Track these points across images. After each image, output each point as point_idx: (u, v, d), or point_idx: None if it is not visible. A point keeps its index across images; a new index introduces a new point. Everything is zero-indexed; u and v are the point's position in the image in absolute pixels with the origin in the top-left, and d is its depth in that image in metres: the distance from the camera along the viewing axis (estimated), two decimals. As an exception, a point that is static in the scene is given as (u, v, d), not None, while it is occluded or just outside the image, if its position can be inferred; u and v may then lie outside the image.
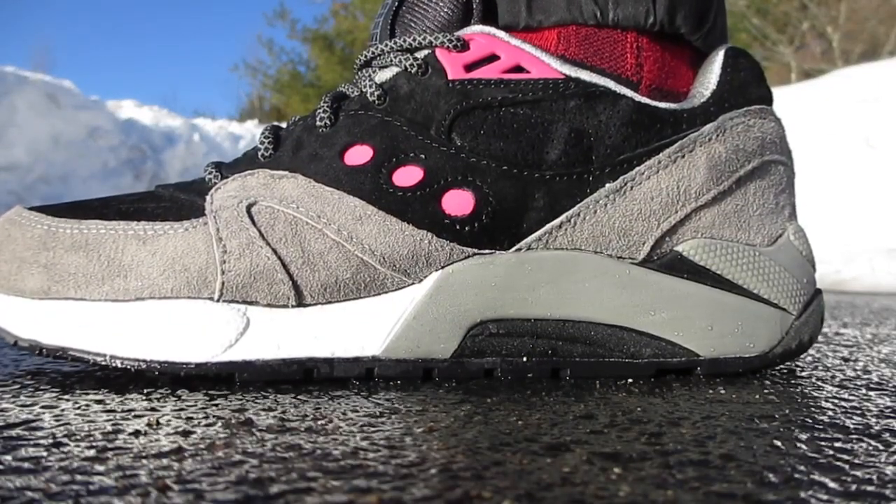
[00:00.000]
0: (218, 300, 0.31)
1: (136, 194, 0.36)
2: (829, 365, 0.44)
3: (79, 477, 0.20)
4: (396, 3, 0.38)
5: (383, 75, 0.36)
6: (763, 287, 0.36)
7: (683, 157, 0.35)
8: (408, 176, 0.33)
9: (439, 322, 0.33)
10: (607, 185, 0.34)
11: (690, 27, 0.37)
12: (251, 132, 4.47)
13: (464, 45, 0.35)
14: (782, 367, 0.42)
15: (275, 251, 0.31)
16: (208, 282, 0.31)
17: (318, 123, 0.35)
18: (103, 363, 0.31)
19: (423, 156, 0.33)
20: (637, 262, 0.35)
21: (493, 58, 0.35)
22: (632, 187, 0.34)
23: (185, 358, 0.31)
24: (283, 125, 0.38)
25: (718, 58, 0.38)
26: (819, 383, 0.37)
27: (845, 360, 0.46)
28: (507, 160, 0.33)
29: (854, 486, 0.21)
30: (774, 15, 10.30)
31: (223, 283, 0.31)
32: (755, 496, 0.20)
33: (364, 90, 0.35)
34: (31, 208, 0.33)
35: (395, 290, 0.33)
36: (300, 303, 0.32)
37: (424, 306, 0.33)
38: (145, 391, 0.31)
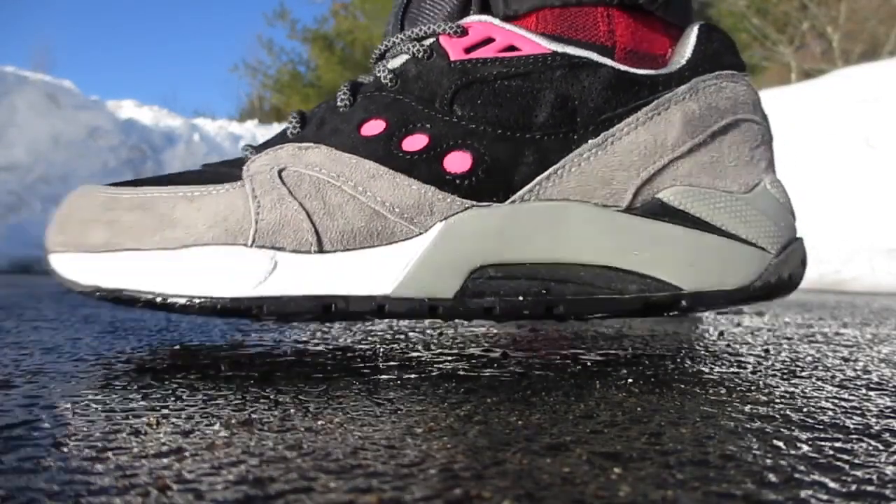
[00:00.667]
0: (251, 246, 0.36)
1: (185, 171, 0.41)
2: (829, 365, 0.44)
3: (79, 477, 0.20)
4: (405, 1, 0.43)
5: (395, 62, 0.40)
6: (741, 228, 0.39)
7: (659, 114, 0.38)
8: (415, 142, 0.37)
9: (443, 266, 0.37)
10: (590, 141, 0.38)
11: None
12: (251, 132, 4.47)
13: (463, 32, 0.40)
14: (782, 366, 0.42)
15: (301, 204, 0.36)
16: (243, 230, 0.36)
17: (338, 104, 0.40)
18: (152, 299, 0.36)
19: (428, 125, 0.37)
20: (621, 209, 0.38)
21: (489, 41, 0.39)
22: (612, 142, 0.38)
23: (223, 293, 0.36)
24: (308, 111, 0.43)
25: (693, 31, 0.41)
26: (819, 383, 0.37)
27: (845, 360, 0.46)
28: (501, 125, 0.37)
29: (854, 486, 0.21)
30: (774, 15, 10.30)
31: (255, 231, 0.36)
32: (755, 496, 0.20)
33: (378, 75, 0.40)
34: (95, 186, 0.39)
35: (404, 239, 0.37)
36: (321, 249, 0.36)
37: (430, 253, 0.37)
38: (145, 391, 0.31)
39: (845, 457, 0.24)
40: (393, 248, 0.36)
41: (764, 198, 0.40)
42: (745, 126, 0.40)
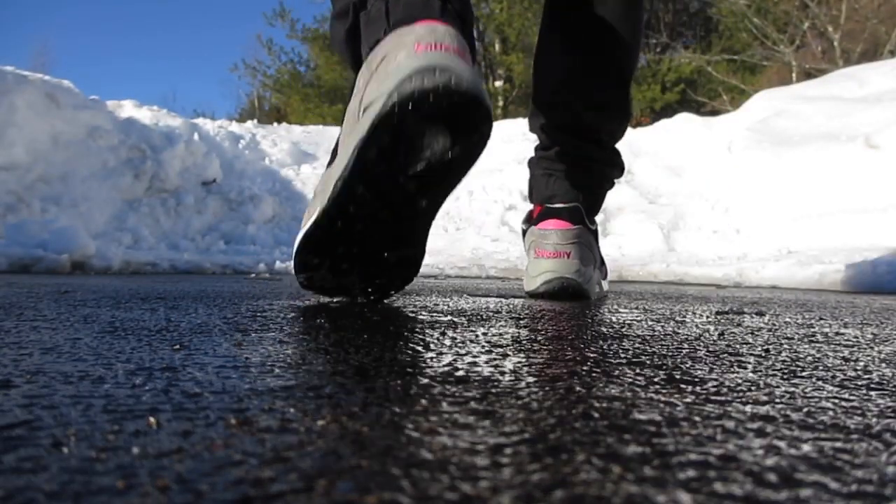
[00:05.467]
0: None
1: None
2: (829, 365, 0.44)
3: (79, 477, 0.20)
4: None
5: None
6: None
7: None
8: None
9: None
10: None
11: None
12: (251, 132, 4.46)
13: None
14: (782, 366, 0.42)
15: None
16: None
17: None
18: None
19: None
20: None
21: None
22: None
23: None
24: None
25: None
26: (819, 383, 0.37)
27: (846, 359, 0.46)
28: None
29: (854, 486, 0.21)
30: (775, 14, 10.30)
31: None
32: (755, 496, 0.20)
33: None
34: None
35: None
36: None
37: None
38: (146, 391, 0.31)
39: (845, 457, 0.24)
40: None
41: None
42: None
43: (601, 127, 1.05)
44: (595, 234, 1.07)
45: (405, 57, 0.59)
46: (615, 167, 1.07)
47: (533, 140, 1.12)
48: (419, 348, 0.46)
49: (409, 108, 0.55)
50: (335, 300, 0.85)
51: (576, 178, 1.02)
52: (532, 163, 1.10)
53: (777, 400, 0.32)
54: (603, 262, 1.17)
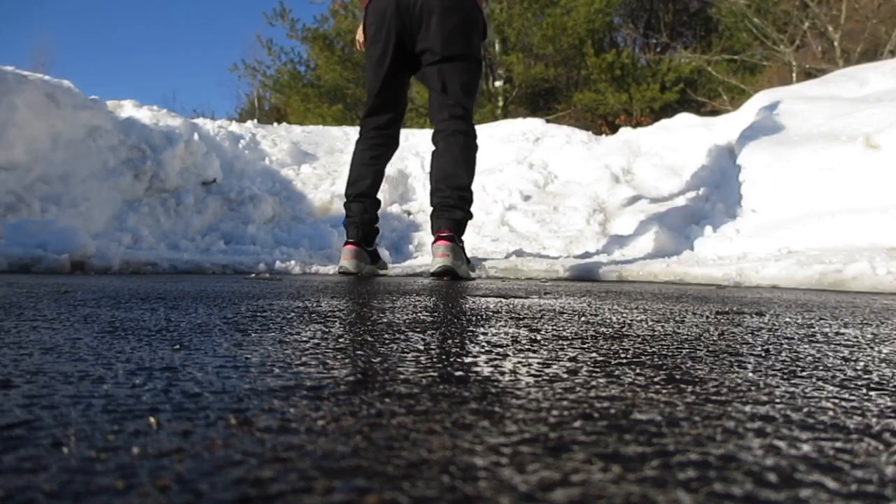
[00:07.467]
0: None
1: None
2: (829, 365, 0.44)
3: (79, 477, 0.20)
4: None
5: None
6: None
7: None
8: None
9: None
10: None
11: None
12: (251, 132, 4.46)
13: None
14: (782, 366, 0.42)
15: None
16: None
17: None
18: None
19: None
20: None
21: None
22: None
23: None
24: None
25: None
26: (819, 383, 0.37)
27: (846, 359, 0.46)
28: None
29: (854, 486, 0.21)
30: (775, 14, 10.30)
31: None
32: (755, 496, 0.20)
33: None
34: None
35: None
36: None
37: None
38: (146, 391, 0.31)
39: (845, 457, 0.24)
40: None
41: None
42: None
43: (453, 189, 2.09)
44: (462, 246, 2.08)
45: (342, 258, 2.16)
46: (465, 208, 2.08)
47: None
48: (419, 348, 0.46)
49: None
50: (340, 300, 0.85)
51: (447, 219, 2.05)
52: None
53: (777, 400, 0.32)
54: (469, 260, 2.19)
